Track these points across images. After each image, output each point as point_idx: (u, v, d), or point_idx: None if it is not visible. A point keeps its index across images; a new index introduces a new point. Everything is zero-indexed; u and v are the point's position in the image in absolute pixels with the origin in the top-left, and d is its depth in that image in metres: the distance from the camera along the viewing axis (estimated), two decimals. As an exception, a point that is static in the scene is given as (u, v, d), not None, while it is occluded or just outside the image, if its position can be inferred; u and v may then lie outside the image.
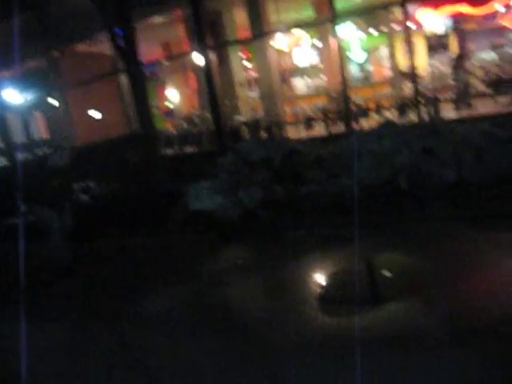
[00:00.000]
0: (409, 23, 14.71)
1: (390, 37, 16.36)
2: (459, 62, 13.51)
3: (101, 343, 4.61)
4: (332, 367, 3.50)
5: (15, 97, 16.77)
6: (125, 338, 4.63)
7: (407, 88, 13.35)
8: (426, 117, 10.76)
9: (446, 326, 3.75)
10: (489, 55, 14.51)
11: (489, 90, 12.34)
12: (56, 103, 16.24)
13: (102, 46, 13.05)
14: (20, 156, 16.28)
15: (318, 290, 4.95)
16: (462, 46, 17.35)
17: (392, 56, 16.44)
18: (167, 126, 19.00)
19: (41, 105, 17.84)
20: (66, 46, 15.79)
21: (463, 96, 13.08)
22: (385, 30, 16.95)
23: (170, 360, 4.04)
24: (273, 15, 14.33)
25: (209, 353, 4.02)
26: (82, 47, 15.82)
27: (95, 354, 4.43)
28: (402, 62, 15.32)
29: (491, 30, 16.29)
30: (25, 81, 16.77)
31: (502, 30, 15.82)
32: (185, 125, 17.34)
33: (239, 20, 14.78)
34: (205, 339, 4.27)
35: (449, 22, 16.99)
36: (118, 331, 4.81)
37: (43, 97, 17.10)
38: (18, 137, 18.13)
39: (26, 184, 8.36)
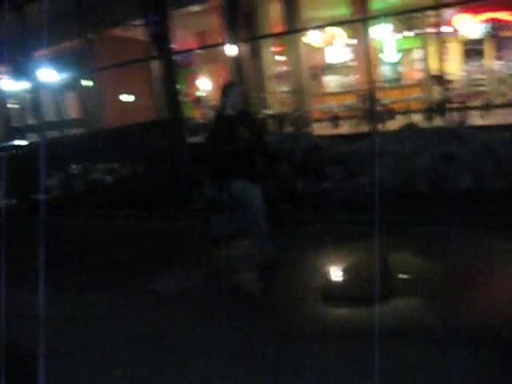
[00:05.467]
0: (444, 27, 14.66)
1: (424, 39, 16.26)
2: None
3: (117, 313, 4.80)
4: (331, 355, 3.59)
5: (50, 76, 17.09)
6: (137, 310, 4.81)
7: (437, 92, 13.29)
8: (451, 122, 10.74)
9: (448, 324, 3.83)
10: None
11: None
12: (88, 85, 16.52)
13: (137, 31, 13.24)
14: (50, 134, 16.66)
15: (330, 284, 5.04)
16: (497, 54, 17.17)
17: (425, 59, 16.35)
18: (196, 114, 19.19)
19: (74, 85, 18.18)
20: (101, 29, 16.07)
21: (491, 104, 13.01)
22: (419, 32, 16.85)
23: (173, 330, 4.21)
24: (307, 11, 14.37)
25: (219, 333, 4.16)
26: (117, 31, 16.07)
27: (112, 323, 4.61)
28: (435, 66, 15.23)
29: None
30: (60, 61, 17.10)
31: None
32: (211, 113, 17.48)
33: (274, 14, 14.85)
34: (214, 319, 4.42)
35: (485, 29, 16.82)
36: (131, 305, 4.99)
37: (77, 78, 17.41)
38: (51, 116, 18.50)
39: (51, 161, 8.58)
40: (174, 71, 10.40)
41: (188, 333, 4.22)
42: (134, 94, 17.27)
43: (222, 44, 14.25)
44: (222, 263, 5.99)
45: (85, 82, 16.81)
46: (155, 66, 13.60)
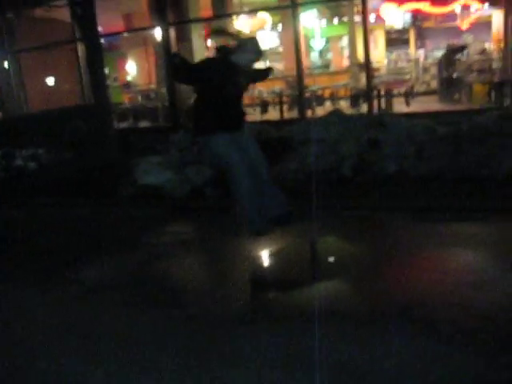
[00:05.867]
0: (370, 16, 14.98)
1: (350, 27, 16.59)
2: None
3: (37, 303, 4.66)
4: (268, 338, 3.64)
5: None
6: (61, 301, 4.69)
7: (363, 79, 13.61)
8: (376, 109, 11.04)
9: (372, 305, 3.98)
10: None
11: (439, 88, 12.73)
12: (9, 68, 15.78)
13: (61, 12, 12.77)
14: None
15: (259, 267, 5.10)
16: (420, 43, 17.80)
17: (351, 47, 16.70)
18: (125, 99, 18.82)
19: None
20: (22, 9, 15.34)
21: (415, 91, 13.49)
22: (346, 20, 17.18)
23: (102, 324, 4.13)
24: (237, -4, 14.34)
25: (144, 320, 4.12)
26: (39, 12, 15.40)
27: (30, 314, 4.47)
28: (361, 54, 15.58)
29: (448, 30, 16.78)
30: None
31: (457, 31, 16.31)
32: (141, 99, 17.22)
33: (202, -2, 14.68)
34: (140, 307, 4.38)
35: (409, 19, 17.39)
36: (54, 296, 4.86)
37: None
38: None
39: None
40: (101, 54, 10.15)
41: (117, 323, 4.17)
42: (58, 78, 16.62)
43: (151, 27, 13.98)
44: (152, 249, 5.94)
45: (5, 65, 16.02)
46: (81, 48, 13.17)
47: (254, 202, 4.96)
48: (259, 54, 5.01)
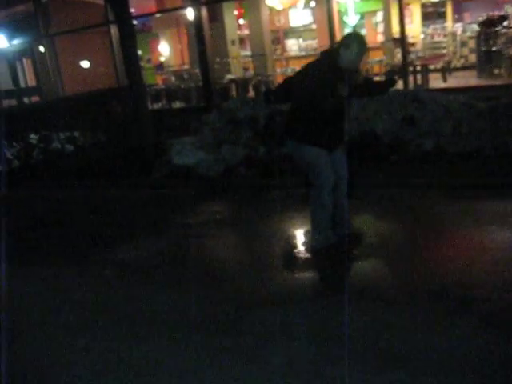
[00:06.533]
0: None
1: (385, 2, 16.20)
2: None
3: (76, 283, 4.75)
4: (302, 318, 3.65)
5: (3, 42, 16.50)
6: (100, 281, 4.78)
7: (398, 55, 13.34)
8: (412, 85, 10.82)
9: (406, 284, 3.94)
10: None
11: (478, 62, 12.36)
12: (45, 51, 15.97)
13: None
14: (7, 103, 16.15)
15: (291, 246, 5.09)
16: (458, 16, 17.28)
17: (386, 22, 16.33)
18: (158, 80, 18.90)
19: (30, 52, 17.58)
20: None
21: (452, 66, 13.16)
22: (381, -6, 16.79)
23: (141, 305, 4.19)
24: (268, -28, 14.14)
25: (180, 301, 4.16)
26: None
27: (70, 293, 4.56)
28: (396, 29, 15.24)
29: (487, 1, 16.22)
30: (13, 26, 16.47)
31: (497, 2, 15.75)
32: (174, 79, 17.26)
33: (235, -25, 14.56)
34: (177, 287, 4.42)
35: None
36: (94, 275, 4.95)
37: (32, 44, 16.82)
38: (7, 84, 17.89)
39: (9, 130, 8.38)
40: (134, 36, 10.13)
41: (152, 302, 4.22)
42: (93, 60, 16.78)
43: (182, 7, 13.94)
44: (187, 229, 5.98)
45: (41, 48, 16.21)
46: (114, 30, 13.23)
47: (329, 216, 4.72)
48: (364, 48, 4.38)
